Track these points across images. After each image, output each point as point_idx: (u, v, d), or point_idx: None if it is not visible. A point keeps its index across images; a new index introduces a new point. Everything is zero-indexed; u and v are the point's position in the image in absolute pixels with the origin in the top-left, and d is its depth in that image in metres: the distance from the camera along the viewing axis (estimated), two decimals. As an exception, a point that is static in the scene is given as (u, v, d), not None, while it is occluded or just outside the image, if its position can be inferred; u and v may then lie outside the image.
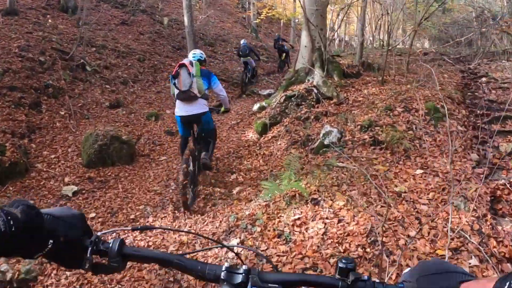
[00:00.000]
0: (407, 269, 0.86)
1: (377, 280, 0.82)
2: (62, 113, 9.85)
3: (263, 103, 9.95)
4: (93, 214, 5.94)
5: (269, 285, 0.84)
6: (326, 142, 6.52)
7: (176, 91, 5.34)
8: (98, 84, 11.83)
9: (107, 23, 16.54)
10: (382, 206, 4.23)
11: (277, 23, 31.44)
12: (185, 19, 14.30)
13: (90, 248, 0.86)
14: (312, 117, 8.43)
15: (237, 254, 1.21)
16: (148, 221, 5.60)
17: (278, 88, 12.97)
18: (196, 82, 5.32)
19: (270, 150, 7.78)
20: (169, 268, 1.15)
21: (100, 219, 5.80)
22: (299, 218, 4.29)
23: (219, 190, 6.32)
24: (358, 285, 0.81)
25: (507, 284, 0.58)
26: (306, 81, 10.11)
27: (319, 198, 4.60)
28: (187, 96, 5.25)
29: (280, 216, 4.45)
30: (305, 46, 10.48)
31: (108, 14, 17.17)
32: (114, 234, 4.16)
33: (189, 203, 5.35)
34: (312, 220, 4.22)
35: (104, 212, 6.05)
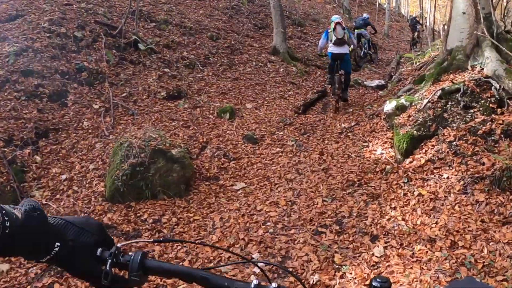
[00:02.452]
0: None
1: None
2: (96, 106, 6.67)
3: (402, 100, 6.04)
4: None
5: None
6: None
7: (334, 38, 7.89)
8: (155, 67, 8.61)
9: (175, -4, 13.44)
10: None
11: (367, 7, 27.00)
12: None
13: (109, 261, 0.79)
14: (498, 131, 4.54)
15: (263, 270, 1.04)
16: None
17: (394, 79, 9.09)
18: (345, 34, 7.96)
19: (430, 191, 4.06)
20: (192, 283, 0.88)
21: None
22: None
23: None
24: None
25: None
26: (469, 68, 6.12)
27: None
28: (340, 42, 7.90)
29: None
30: (463, 13, 6.44)
31: (176, -15, 14.07)
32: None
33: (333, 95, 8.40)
34: None
35: None
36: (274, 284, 0.80)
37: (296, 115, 7.78)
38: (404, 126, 5.48)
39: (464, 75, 5.88)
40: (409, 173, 4.67)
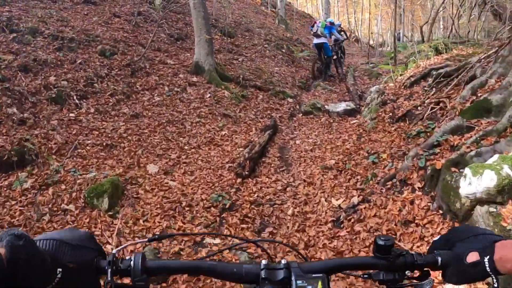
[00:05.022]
0: (436, 238, 0.86)
1: (414, 253, 0.81)
2: None
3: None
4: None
5: (313, 275, 0.77)
6: None
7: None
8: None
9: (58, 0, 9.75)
10: None
11: (299, 19, 24.55)
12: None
13: (109, 270, 0.75)
14: None
15: (265, 250, 1.02)
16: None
17: (374, 102, 6.46)
18: (319, 29, 10.02)
19: None
20: (200, 276, 0.94)
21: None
22: None
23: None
24: (399, 261, 0.79)
25: None
26: None
27: None
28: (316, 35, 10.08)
29: None
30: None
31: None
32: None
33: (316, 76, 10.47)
34: None
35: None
36: (283, 261, 0.79)
37: (239, 180, 4.51)
38: None
39: None
40: None
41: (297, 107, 8.16)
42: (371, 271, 0.83)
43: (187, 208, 3.84)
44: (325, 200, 3.83)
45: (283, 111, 7.67)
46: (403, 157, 4.12)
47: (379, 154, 4.55)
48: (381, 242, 0.79)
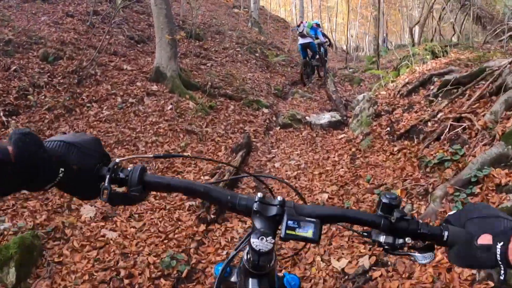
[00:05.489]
0: (452, 212, 0.78)
1: (421, 221, 0.75)
2: None
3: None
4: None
5: (306, 218, 0.74)
6: None
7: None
8: None
9: (-1, -4, 8.56)
10: None
11: (273, 23, 23.60)
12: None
13: (108, 176, 0.75)
14: None
15: (266, 184, 1.03)
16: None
17: (363, 112, 5.61)
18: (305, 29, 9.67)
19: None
20: (195, 197, 0.85)
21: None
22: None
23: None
24: (401, 225, 0.74)
25: None
26: None
27: None
28: (302, 34, 9.70)
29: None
30: None
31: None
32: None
33: (305, 81, 9.94)
34: None
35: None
36: (279, 198, 0.77)
37: (203, 228, 3.43)
38: None
39: None
40: None
41: (274, 118, 7.19)
42: (371, 230, 0.77)
43: (126, 282, 2.76)
44: (321, 260, 2.80)
45: (257, 124, 6.69)
46: (426, 196, 3.16)
47: (388, 188, 3.57)
48: (385, 200, 0.74)
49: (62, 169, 0.69)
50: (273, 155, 5.42)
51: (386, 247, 0.75)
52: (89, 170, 0.74)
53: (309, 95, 9.08)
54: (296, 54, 16.47)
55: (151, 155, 0.88)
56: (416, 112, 4.76)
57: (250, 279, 0.76)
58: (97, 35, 8.41)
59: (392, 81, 6.39)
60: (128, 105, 5.93)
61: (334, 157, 4.83)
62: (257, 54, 11.70)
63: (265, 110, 7.34)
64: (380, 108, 5.35)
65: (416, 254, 0.75)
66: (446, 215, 0.78)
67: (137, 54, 8.36)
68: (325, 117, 6.53)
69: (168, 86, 6.82)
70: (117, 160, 0.78)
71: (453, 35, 11.61)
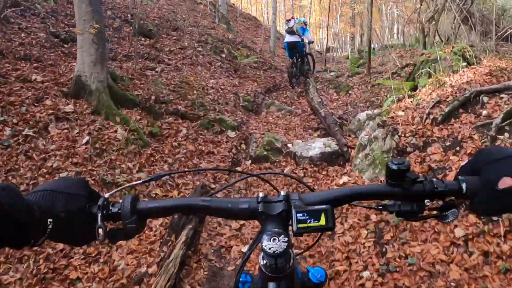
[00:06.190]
0: (464, 162, 0.73)
1: (435, 179, 0.69)
2: None
3: None
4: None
5: (315, 207, 0.68)
6: None
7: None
8: None
9: None
10: None
11: (244, 22, 21.56)
12: None
13: (99, 215, 0.70)
14: None
15: (268, 181, 0.95)
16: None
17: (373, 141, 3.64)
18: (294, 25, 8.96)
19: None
20: (195, 214, 0.79)
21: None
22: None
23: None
24: (416, 188, 0.68)
25: None
26: None
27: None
28: (290, 31, 8.93)
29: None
30: None
31: None
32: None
33: (293, 83, 9.10)
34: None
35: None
36: (282, 192, 0.72)
37: None
38: None
39: None
40: None
41: (243, 146, 5.26)
42: (386, 201, 0.72)
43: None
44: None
45: (220, 156, 4.75)
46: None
47: None
48: (394, 167, 0.68)
49: (50, 220, 0.65)
50: (241, 227, 3.47)
51: (406, 215, 0.69)
52: (78, 213, 0.69)
53: (289, 108, 7.19)
54: (269, 55, 14.62)
55: (140, 181, 0.82)
56: (470, 154, 2.93)
57: (269, 284, 0.68)
58: (10, 33, 6.27)
59: (410, 96, 4.58)
60: (21, 139, 3.86)
61: (341, 234, 2.94)
62: (223, 55, 9.74)
63: (231, 134, 5.41)
64: (404, 141, 3.52)
65: (441, 214, 0.69)
66: (460, 166, 0.72)
67: (60, 57, 6.24)
68: (316, 146, 4.63)
69: (91, 103, 4.78)
70: (106, 195, 0.73)
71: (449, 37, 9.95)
